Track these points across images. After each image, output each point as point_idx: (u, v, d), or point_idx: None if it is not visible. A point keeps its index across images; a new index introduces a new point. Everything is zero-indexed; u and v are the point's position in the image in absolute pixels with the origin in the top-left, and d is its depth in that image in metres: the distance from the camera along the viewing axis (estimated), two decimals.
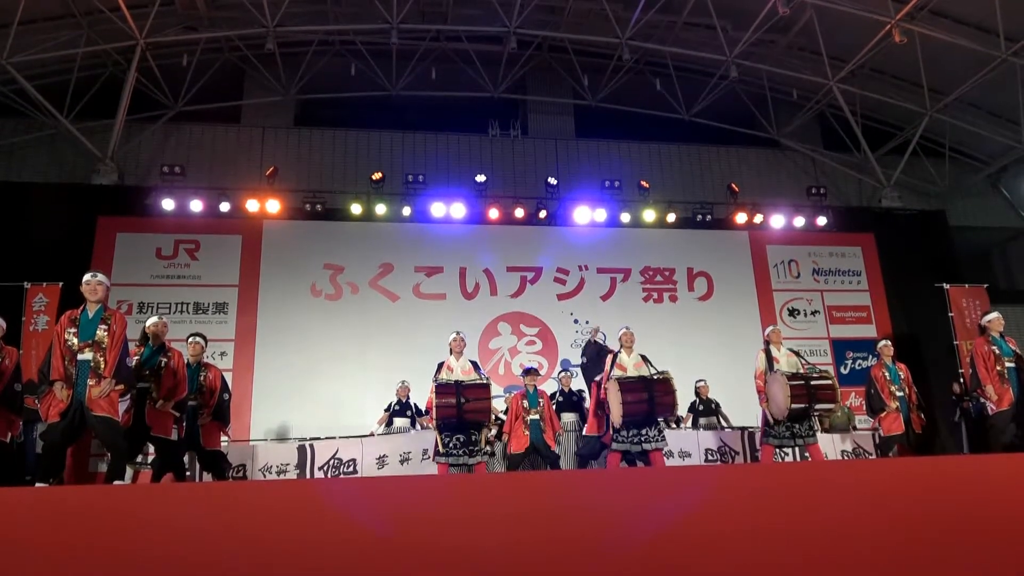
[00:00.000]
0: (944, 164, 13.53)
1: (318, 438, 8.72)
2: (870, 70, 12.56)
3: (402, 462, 8.06)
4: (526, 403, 7.72)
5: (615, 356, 6.74)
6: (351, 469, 7.97)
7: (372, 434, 9.03)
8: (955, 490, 3.06)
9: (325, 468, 7.96)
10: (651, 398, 6.29)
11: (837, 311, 12.47)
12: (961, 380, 10.42)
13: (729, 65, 11.90)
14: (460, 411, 6.26)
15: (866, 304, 12.57)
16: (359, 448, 8.13)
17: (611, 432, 6.53)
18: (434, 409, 6.29)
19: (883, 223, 12.97)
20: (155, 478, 6.09)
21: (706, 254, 12.42)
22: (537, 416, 7.65)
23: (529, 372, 8.13)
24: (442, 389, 6.31)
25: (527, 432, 7.57)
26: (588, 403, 7.92)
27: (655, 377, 6.47)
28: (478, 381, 6.57)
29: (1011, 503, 2.54)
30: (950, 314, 11.25)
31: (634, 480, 4.44)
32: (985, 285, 11.61)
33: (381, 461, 8.05)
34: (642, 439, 6.35)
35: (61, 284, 9.47)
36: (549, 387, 9.70)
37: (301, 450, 8.12)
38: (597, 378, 7.30)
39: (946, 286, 11.38)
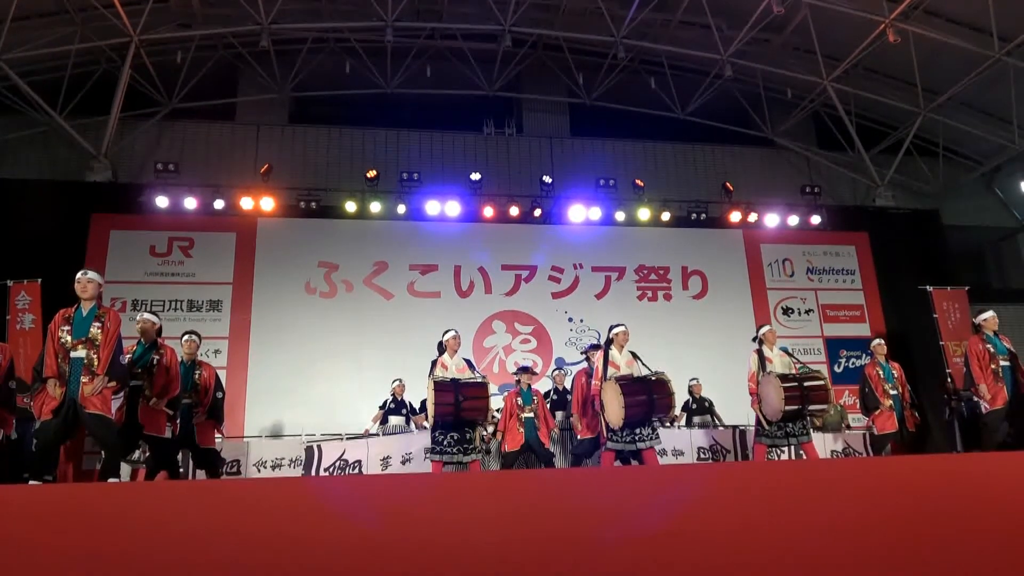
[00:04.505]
0: (938, 163, 13.57)
1: (313, 435, 8.66)
2: (864, 69, 12.59)
3: (404, 462, 8.04)
4: (520, 401, 7.73)
5: (606, 353, 6.73)
6: (357, 471, 7.93)
7: (368, 432, 9.01)
8: (948, 489, 3.08)
9: (331, 469, 7.92)
10: (650, 399, 6.31)
11: (831, 310, 12.51)
12: (949, 380, 10.45)
13: (724, 64, 11.92)
14: (457, 409, 6.27)
15: (860, 303, 12.62)
16: (364, 449, 8.12)
17: (605, 432, 6.53)
18: (431, 406, 6.29)
19: (877, 222, 13.02)
20: (148, 476, 6.08)
21: (700, 253, 12.45)
22: (531, 414, 7.68)
23: (523, 370, 8.14)
24: (440, 387, 6.31)
25: (522, 430, 7.59)
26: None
27: (653, 379, 6.48)
28: (475, 380, 6.58)
29: (1004, 502, 2.56)
30: (934, 315, 11.23)
31: (628, 478, 4.45)
32: (966, 288, 11.55)
33: (385, 462, 8.05)
34: (636, 438, 6.37)
35: (39, 281, 9.39)
36: (543, 385, 9.71)
37: (308, 451, 8.08)
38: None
39: (929, 288, 11.36)
